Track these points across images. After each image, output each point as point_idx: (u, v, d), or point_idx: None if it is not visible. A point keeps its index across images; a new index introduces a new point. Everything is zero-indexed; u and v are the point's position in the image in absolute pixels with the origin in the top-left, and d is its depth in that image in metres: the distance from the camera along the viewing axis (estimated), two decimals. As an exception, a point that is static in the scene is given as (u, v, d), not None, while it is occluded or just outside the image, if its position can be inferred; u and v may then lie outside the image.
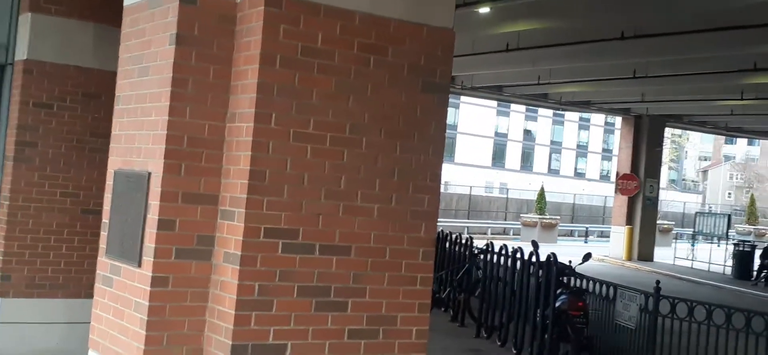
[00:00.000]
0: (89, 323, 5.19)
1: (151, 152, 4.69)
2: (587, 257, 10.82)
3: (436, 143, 5.00)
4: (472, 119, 71.81)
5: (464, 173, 60.76)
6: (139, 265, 4.61)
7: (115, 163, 5.14)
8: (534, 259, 10.72)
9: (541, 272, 10.35)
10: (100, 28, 8.28)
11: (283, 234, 4.50)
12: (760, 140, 79.12)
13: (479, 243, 13.65)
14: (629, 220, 29.21)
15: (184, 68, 4.60)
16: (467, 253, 13.16)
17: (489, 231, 37.15)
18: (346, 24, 4.69)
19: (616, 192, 30.24)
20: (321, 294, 4.61)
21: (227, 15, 4.70)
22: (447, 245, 13.75)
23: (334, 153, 4.65)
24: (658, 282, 9.38)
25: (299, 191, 4.55)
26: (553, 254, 10.35)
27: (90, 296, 5.33)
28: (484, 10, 13.98)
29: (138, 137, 4.89)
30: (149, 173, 4.64)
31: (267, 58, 4.48)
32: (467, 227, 34.46)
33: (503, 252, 11.73)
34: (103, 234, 5.11)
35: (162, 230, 4.51)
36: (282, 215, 4.50)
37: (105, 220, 5.12)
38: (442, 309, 12.98)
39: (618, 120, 38.67)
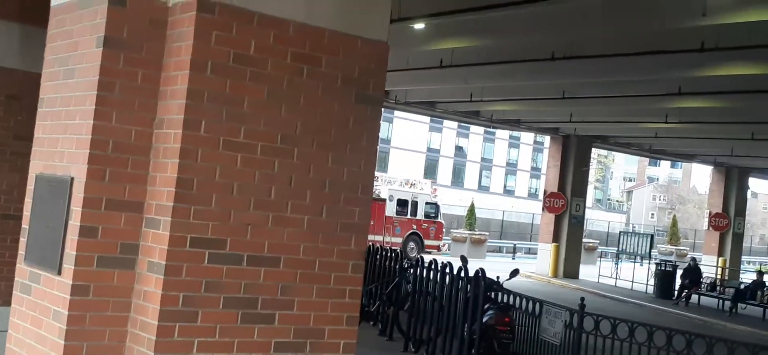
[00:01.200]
0: (6, 331, 4.99)
1: (74, 157, 4.55)
2: (515, 273, 10.95)
3: (368, 156, 4.99)
4: (405, 134, 72.22)
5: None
6: (59, 272, 4.45)
7: (36, 167, 4.97)
8: (463, 274, 10.79)
9: (469, 287, 10.43)
10: (26, 29, 8.04)
11: (210, 244, 4.41)
12: (683, 163, 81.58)
13: (408, 257, 13.67)
14: (556, 237, 29.75)
15: (112, 71, 4.48)
16: (397, 267, 13.17)
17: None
18: (280, 33, 4.64)
19: (543, 210, 30.76)
20: (248, 306, 4.54)
21: (158, 19, 4.59)
22: (377, 258, 13.74)
23: (265, 163, 4.59)
24: (582, 299, 9.54)
25: (228, 201, 4.47)
26: (482, 270, 10.44)
27: (8, 303, 5.14)
28: (419, 25, 14.10)
29: (61, 141, 4.74)
30: (72, 178, 4.50)
31: (198, 65, 4.40)
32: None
33: (433, 267, 11.78)
34: (23, 240, 4.93)
35: (84, 237, 4.37)
36: (209, 224, 4.42)
37: (25, 225, 4.95)
38: (371, 323, 12.95)
39: (547, 139, 39.40)
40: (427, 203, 32.71)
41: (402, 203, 31.90)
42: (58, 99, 4.87)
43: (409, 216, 31.55)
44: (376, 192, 31.41)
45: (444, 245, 33.29)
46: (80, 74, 4.66)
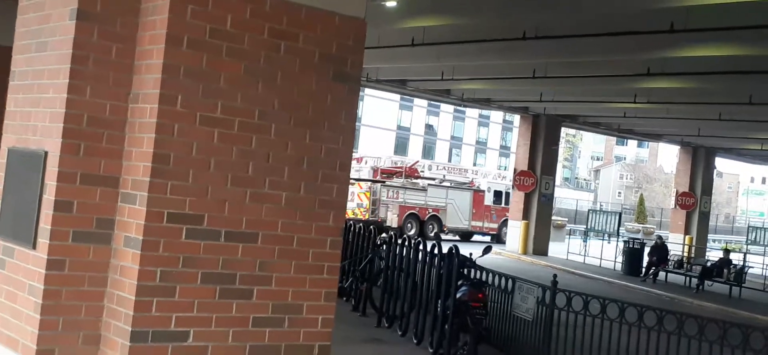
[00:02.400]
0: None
1: (48, 131, 4.50)
2: (487, 249, 11.02)
3: (346, 133, 4.98)
4: (376, 112, 72.16)
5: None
6: (34, 247, 4.41)
7: (8, 140, 4.90)
8: (436, 251, 10.85)
9: (442, 263, 10.49)
10: (-6, 1, 7.89)
11: (188, 219, 4.40)
12: (650, 143, 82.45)
13: (381, 233, 13.71)
14: (525, 215, 29.97)
15: (85, 45, 4.43)
16: (370, 243, 13.20)
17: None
18: (257, 8, 4.61)
19: (513, 188, 30.96)
20: (226, 281, 4.53)
21: None
22: (350, 235, 13.76)
23: (242, 139, 4.57)
24: (555, 276, 9.65)
25: (205, 176, 4.45)
26: (455, 246, 10.50)
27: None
28: (391, 3, 14.06)
29: (34, 115, 4.68)
30: (46, 152, 4.45)
31: (173, 39, 4.36)
32: (369, 217, 34.54)
33: (406, 243, 11.82)
34: None
35: (59, 211, 4.33)
36: (186, 199, 4.40)
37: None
38: (344, 299, 12.98)
39: (516, 118, 39.53)
40: (496, 191, 36.05)
41: (497, 194, 35.62)
42: (30, 72, 4.81)
43: (502, 205, 34.56)
44: (477, 184, 36.15)
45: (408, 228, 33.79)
46: (53, 47, 4.60)
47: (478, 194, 35.07)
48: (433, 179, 35.98)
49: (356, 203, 31.38)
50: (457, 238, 32.23)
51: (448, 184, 35.25)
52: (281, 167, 4.70)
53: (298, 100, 4.77)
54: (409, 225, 32.32)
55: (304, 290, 4.79)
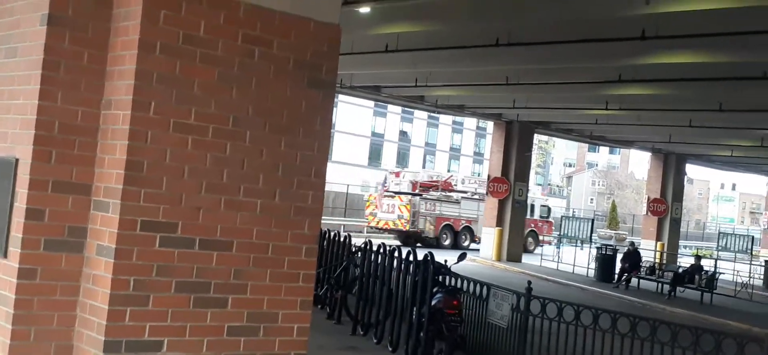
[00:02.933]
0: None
1: (19, 138, 4.43)
2: (462, 256, 11.04)
3: (321, 139, 4.96)
4: (350, 118, 72.14)
5: (341, 171, 60.91)
6: (5, 256, 4.34)
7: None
8: (411, 258, 10.84)
9: (417, 271, 10.48)
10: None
11: (161, 227, 4.35)
12: (621, 149, 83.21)
13: (356, 241, 13.69)
14: (499, 221, 30.07)
15: (57, 51, 4.37)
16: (345, 251, 13.17)
17: (365, 229, 37.35)
18: (230, 14, 4.58)
19: (487, 194, 31.06)
20: (200, 290, 4.48)
21: None
22: (325, 242, 13.72)
23: (217, 145, 4.53)
24: (529, 282, 9.68)
25: (179, 184, 4.41)
26: (430, 253, 10.50)
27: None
28: (365, 9, 14.05)
29: (4, 121, 4.60)
30: (17, 160, 4.38)
31: (146, 45, 4.32)
32: (344, 225, 34.54)
33: (381, 251, 11.80)
34: None
35: (30, 219, 4.27)
36: (160, 207, 4.35)
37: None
38: (319, 306, 12.93)
39: (490, 125, 39.67)
40: (541, 206, 38.57)
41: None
42: (1, 78, 4.73)
43: (528, 216, 34.82)
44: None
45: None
46: (23, 53, 4.54)
47: None
48: (466, 192, 37.36)
49: (397, 215, 33.09)
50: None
51: (478, 196, 36.40)
52: (256, 174, 4.67)
53: (273, 106, 4.74)
54: (444, 235, 34.05)
55: (279, 298, 4.75)
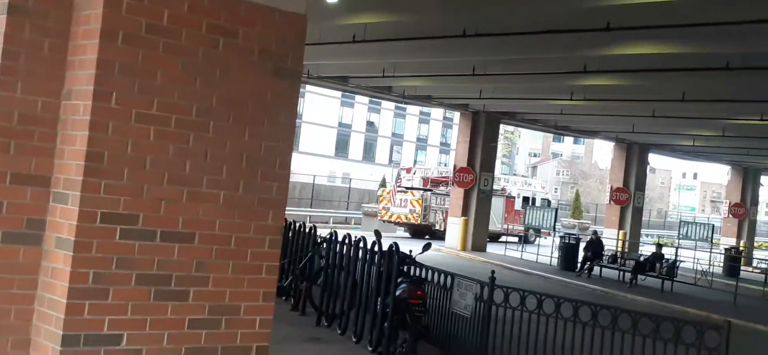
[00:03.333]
0: None
1: (-25, 128, 4.33)
2: (427, 247, 11.06)
3: (286, 131, 4.93)
4: (317, 109, 71.94)
5: (308, 162, 60.78)
6: (-40, 249, 4.26)
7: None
8: (376, 249, 10.84)
9: (382, 261, 10.49)
10: None
11: (122, 219, 4.30)
12: (586, 139, 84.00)
13: (322, 232, 13.66)
14: (465, 211, 30.21)
15: (16, 40, 4.30)
16: (310, 242, 13.13)
17: (331, 220, 37.35)
18: (195, 3, 4.54)
19: (452, 184, 31.18)
20: (161, 283, 4.44)
21: None
22: (290, 233, 13.67)
23: (179, 136, 4.48)
24: (493, 272, 9.73)
25: (141, 175, 4.36)
26: (395, 244, 10.51)
27: None
28: (332, 0, 14.00)
29: (-39, 112, 4.50)
30: (-27, 151, 4.29)
31: (108, 34, 4.26)
32: (310, 216, 34.47)
33: (346, 241, 11.79)
34: None
35: (-14, 212, 4.19)
36: (121, 199, 4.30)
37: None
38: (283, 298, 12.89)
39: (457, 115, 39.83)
40: (542, 198, 41.59)
41: (526, 199, 40.49)
42: None
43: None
44: (508, 191, 40.69)
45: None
46: None
47: (509, 199, 39.27)
48: None
49: (409, 209, 34.71)
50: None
51: None
52: (220, 166, 4.63)
53: (238, 97, 4.71)
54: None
55: (242, 290, 4.72)
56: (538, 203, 40.19)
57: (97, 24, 4.24)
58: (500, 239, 35.13)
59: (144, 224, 4.36)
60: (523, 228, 35.00)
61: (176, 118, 4.47)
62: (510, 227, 37.71)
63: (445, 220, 34.36)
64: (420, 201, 34.80)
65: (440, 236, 32.92)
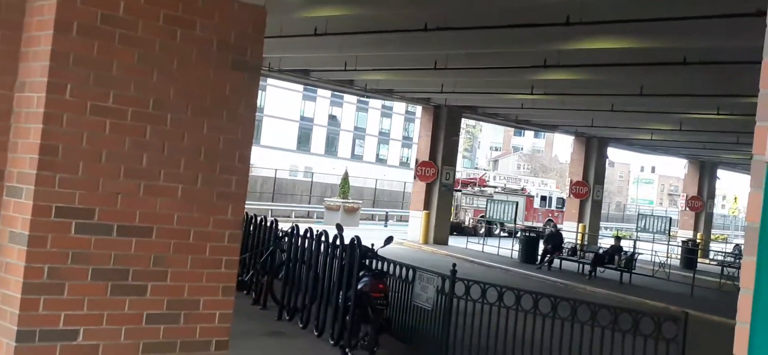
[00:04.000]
0: None
1: (-76, 121, 4.23)
2: (389, 240, 11.07)
3: (246, 124, 4.89)
4: (279, 102, 71.54)
5: (270, 156, 60.44)
6: None
7: None
8: (338, 242, 10.82)
9: (344, 255, 10.47)
10: None
11: (77, 214, 4.23)
12: (546, 133, 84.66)
13: (284, 226, 13.60)
14: (427, 205, 30.30)
15: (-34, 30, 4.19)
16: (271, 235, 13.06)
17: (293, 214, 37.20)
18: (151, -7, 4.46)
19: (415, 178, 31.25)
20: (118, 277, 4.38)
21: None
22: (251, 227, 13.58)
23: (136, 129, 4.42)
24: (454, 265, 9.77)
25: (96, 168, 4.29)
26: (357, 238, 10.50)
27: None
28: (293, -8, 13.92)
29: None
30: None
31: (62, 25, 4.18)
32: (272, 210, 34.29)
33: (308, 235, 11.75)
34: None
35: (-64, 206, 4.09)
36: (76, 193, 4.22)
37: None
38: (245, 292, 12.80)
39: (418, 109, 40.01)
40: (557, 198, 45.61)
41: (543, 198, 45.38)
42: None
43: (547, 207, 44.26)
44: (528, 191, 46.53)
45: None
46: None
47: (529, 198, 44.22)
48: (496, 187, 44.88)
49: None
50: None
51: (505, 192, 43.58)
52: (177, 158, 4.58)
53: (196, 89, 4.65)
54: (479, 225, 38.45)
55: (200, 284, 4.68)
56: (553, 202, 44.93)
57: (51, 15, 4.16)
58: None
59: (100, 218, 4.29)
60: (541, 225, 39.27)
61: (133, 111, 4.40)
62: (532, 223, 41.15)
63: (473, 217, 38.86)
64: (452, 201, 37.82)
65: (470, 232, 36.32)
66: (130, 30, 4.39)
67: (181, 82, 4.58)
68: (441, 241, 30.06)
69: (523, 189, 45.18)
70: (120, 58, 4.35)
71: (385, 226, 38.70)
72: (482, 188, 43.33)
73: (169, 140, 4.54)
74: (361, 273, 10.16)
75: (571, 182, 37.09)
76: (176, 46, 4.55)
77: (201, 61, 4.66)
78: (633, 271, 23.41)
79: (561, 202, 44.50)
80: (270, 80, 47.32)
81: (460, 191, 40.04)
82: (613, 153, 52.97)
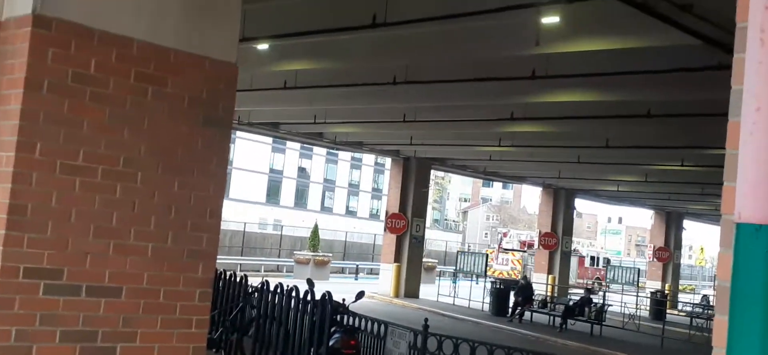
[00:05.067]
0: None
1: None
2: (360, 295, 11.00)
3: (217, 179, 4.87)
4: (248, 155, 71.38)
5: (239, 209, 60.07)
6: None
7: None
8: (309, 297, 10.74)
9: (315, 310, 10.38)
10: None
11: (46, 274, 4.16)
12: (514, 184, 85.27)
13: (253, 281, 13.46)
14: (397, 257, 30.24)
15: (-66, 88, 4.14)
16: (241, 292, 12.91)
17: (263, 268, 36.88)
18: (123, 51, 4.47)
19: (385, 231, 31.21)
20: (87, 339, 4.30)
21: None
22: (220, 283, 13.42)
23: (106, 187, 4.38)
24: (426, 320, 9.73)
25: (65, 228, 4.23)
26: (328, 293, 10.43)
27: None
28: (263, 46, 13.99)
29: None
30: None
31: (33, 84, 4.16)
32: (241, 264, 33.98)
33: (278, 291, 11.64)
34: None
35: None
36: (45, 253, 4.17)
37: None
38: (214, 350, 12.60)
39: (388, 161, 40.21)
40: (603, 258, 52.21)
41: (591, 259, 51.32)
42: None
43: (594, 266, 49.62)
44: (580, 252, 52.72)
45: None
46: None
47: (581, 258, 49.14)
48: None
49: (510, 266, 41.45)
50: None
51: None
52: (148, 216, 4.54)
53: (167, 146, 4.64)
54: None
55: (171, 345, 4.61)
56: (600, 262, 50.46)
57: (22, 73, 4.15)
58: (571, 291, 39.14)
59: (69, 278, 4.23)
60: (591, 281, 43.34)
61: (103, 169, 4.37)
62: (585, 281, 44.98)
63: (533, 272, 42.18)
64: (520, 260, 42.02)
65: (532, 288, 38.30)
66: (101, 88, 4.38)
67: (152, 140, 4.57)
68: (412, 293, 29.96)
69: (575, 250, 47.98)
70: (90, 115, 4.34)
71: (356, 279, 38.52)
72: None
73: (139, 198, 4.51)
74: (332, 329, 10.07)
75: (539, 233, 37.29)
76: (147, 103, 4.54)
77: (172, 118, 4.65)
78: (603, 323, 23.46)
79: (606, 262, 50.52)
80: (239, 133, 47.21)
81: (523, 251, 44.68)
82: (581, 204, 55.43)
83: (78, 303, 4.27)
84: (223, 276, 13.53)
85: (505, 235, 54.96)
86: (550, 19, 10.95)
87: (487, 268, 40.31)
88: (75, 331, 4.26)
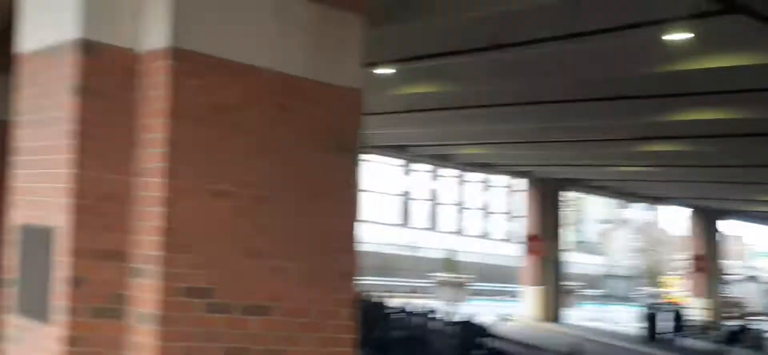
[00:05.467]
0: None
1: (54, 206, 4.47)
2: (505, 318, 10.87)
3: (353, 202, 5.03)
4: (379, 177, 71.96)
5: (372, 231, 60.58)
6: (47, 323, 4.39)
7: (18, 216, 4.88)
8: (452, 319, 10.70)
9: (457, 333, 10.34)
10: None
11: (204, 293, 4.39)
12: (657, 205, 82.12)
13: (392, 302, 13.61)
14: (538, 280, 29.59)
15: (86, 121, 4.40)
16: (380, 313, 13.09)
17: (399, 289, 36.95)
18: (254, 81, 4.66)
19: (525, 253, 30.68)
20: (244, 355, 4.53)
21: (130, 67, 4.54)
22: (360, 304, 13.65)
23: (253, 211, 4.59)
24: (581, 344, 9.41)
25: (218, 250, 4.47)
26: (472, 315, 10.34)
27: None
28: (385, 71, 14.20)
29: (41, 190, 4.64)
30: (53, 228, 4.42)
31: (175, 113, 4.38)
32: (378, 285, 34.29)
33: (420, 312, 11.67)
34: (8, 290, 4.86)
35: (71, 287, 4.29)
36: (198, 273, 4.39)
37: (8, 276, 4.89)
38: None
39: (522, 182, 39.75)
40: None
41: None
42: (34, 148, 4.77)
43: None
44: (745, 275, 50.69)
45: None
46: (53, 123, 4.57)
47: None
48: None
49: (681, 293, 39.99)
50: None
51: (739, 277, 47.14)
52: (293, 239, 4.75)
53: (303, 171, 4.82)
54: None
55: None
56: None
57: (165, 104, 4.38)
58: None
59: (225, 297, 4.46)
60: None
61: (248, 194, 4.58)
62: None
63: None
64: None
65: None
66: (239, 117, 4.59)
67: (288, 166, 4.75)
68: (554, 317, 29.20)
69: (738, 273, 46.80)
70: (231, 143, 4.54)
71: (495, 301, 37.90)
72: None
73: (283, 221, 4.70)
74: (475, 353, 9.97)
75: (691, 256, 35.73)
76: (281, 131, 4.72)
77: (306, 145, 4.82)
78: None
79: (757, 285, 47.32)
80: (369, 156, 47.94)
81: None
82: (727, 225, 51.69)
83: (235, 321, 4.48)
84: (362, 297, 13.78)
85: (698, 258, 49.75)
86: (677, 36, 10.54)
87: (665, 295, 39.07)
88: (235, 348, 4.47)
